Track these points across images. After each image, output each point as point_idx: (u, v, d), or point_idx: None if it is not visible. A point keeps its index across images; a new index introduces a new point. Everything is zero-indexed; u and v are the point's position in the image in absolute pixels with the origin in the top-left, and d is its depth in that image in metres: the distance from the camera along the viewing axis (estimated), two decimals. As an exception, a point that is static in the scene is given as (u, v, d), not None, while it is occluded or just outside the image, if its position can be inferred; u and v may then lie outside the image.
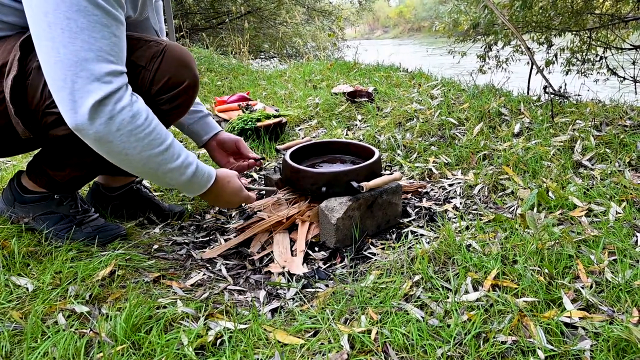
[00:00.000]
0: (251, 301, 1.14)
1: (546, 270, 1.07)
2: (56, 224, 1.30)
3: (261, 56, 10.06)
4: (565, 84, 2.43)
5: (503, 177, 1.67)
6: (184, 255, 1.37)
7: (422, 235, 1.41)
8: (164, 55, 1.14)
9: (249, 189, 1.38)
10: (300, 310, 1.07)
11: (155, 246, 1.39)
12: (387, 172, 1.54)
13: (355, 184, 1.36)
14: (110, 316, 0.99)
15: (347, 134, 2.34)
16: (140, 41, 1.13)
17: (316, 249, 1.38)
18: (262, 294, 1.17)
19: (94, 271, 1.16)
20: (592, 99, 2.39)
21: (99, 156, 1.10)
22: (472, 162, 1.86)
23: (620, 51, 4.56)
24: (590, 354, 0.85)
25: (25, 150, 1.26)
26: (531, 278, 1.05)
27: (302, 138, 2.38)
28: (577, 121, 1.98)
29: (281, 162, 1.56)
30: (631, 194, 1.42)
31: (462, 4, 5.79)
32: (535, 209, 1.41)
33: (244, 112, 2.53)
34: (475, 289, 1.06)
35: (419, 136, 2.16)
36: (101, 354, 0.88)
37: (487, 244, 1.23)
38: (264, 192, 1.54)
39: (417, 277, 1.12)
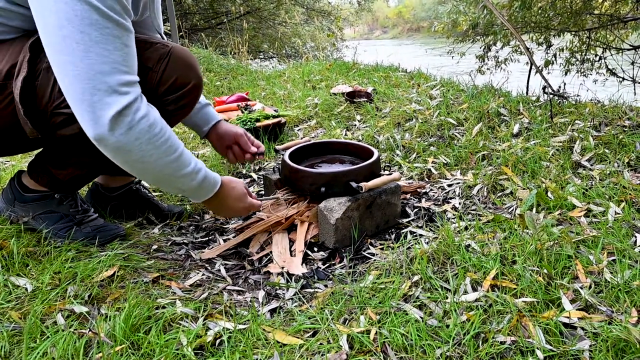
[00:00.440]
0: (250, 301, 1.14)
1: (545, 271, 1.08)
2: (56, 223, 1.30)
3: (260, 56, 10.06)
4: (565, 84, 2.43)
5: (502, 178, 1.67)
6: (183, 256, 1.37)
7: (421, 235, 1.41)
8: (170, 57, 1.16)
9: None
10: (299, 311, 1.07)
11: (155, 246, 1.39)
12: (386, 172, 1.54)
13: (354, 185, 1.37)
14: (109, 316, 0.99)
15: (346, 134, 2.34)
16: (147, 43, 1.15)
17: (315, 249, 1.38)
18: (261, 294, 1.17)
19: (93, 271, 1.16)
20: (591, 100, 2.40)
21: (101, 156, 1.10)
22: (471, 162, 1.86)
23: (619, 51, 4.57)
24: (589, 354, 0.85)
25: (29, 149, 1.28)
26: (530, 278, 1.05)
27: (301, 138, 2.38)
28: (576, 121, 1.98)
29: (280, 162, 1.57)
30: (630, 194, 1.42)
31: (461, 4, 5.80)
32: (534, 209, 1.41)
33: (243, 112, 2.53)
34: (474, 289, 1.06)
35: (418, 136, 2.16)
36: (100, 354, 0.88)
37: (486, 244, 1.24)
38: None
39: (416, 278, 1.12)
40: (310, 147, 1.68)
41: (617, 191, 1.45)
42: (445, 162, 1.90)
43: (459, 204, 1.59)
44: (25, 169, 1.31)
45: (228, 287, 1.21)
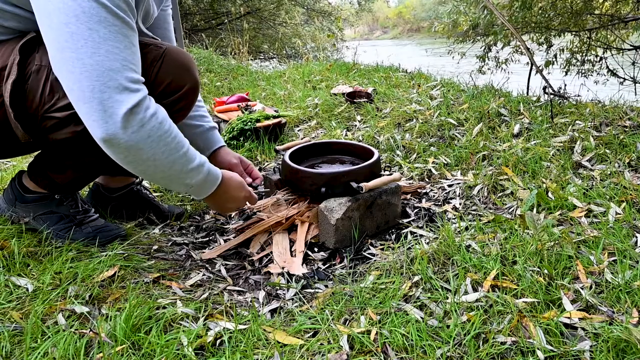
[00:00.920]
0: (251, 301, 1.14)
1: (546, 271, 1.08)
2: (56, 223, 1.30)
3: (260, 57, 10.06)
4: (565, 85, 2.43)
5: (502, 178, 1.67)
6: (184, 256, 1.37)
7: (421, 235, 1.41)
8: (164, 59, 1.14)
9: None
10: (300, 311, 1.07)
11: (155, 247, 1.39)
12: (387, 172, 1.54)
13: (354, 185, 1.37)
14: (110, 316, 0.99)
15: (346, 135, 2.34)
16: (140, 44, 1.13)
17: (315, 249, 1.38)
18: (261, 294, 1.17)
19: (93, 271, 1.16)
20: (591, 100, 2.39)
21: (99, 158, 1.10)
22: (471, 162, 1.86)
23: (620, 52, 4.56)
24: (590, 354, 0.85)
25: (25, 152, 1.27)
26: (531, 279, 1.05)
27: (302, 139, 2.38)
28: (577, 122, 1.98)
29: (280, 162, 1.57)
30: (631, 194, 1.42)
31: (462, 4, 5.79)
32: (534, 209, 1.41)
33: (243, 112, 2.53)
34: (475, 290, 1.06)
35: (418, 137, 2.16)
36: (101, 354, 0.88)
37: (487, 244, 1.23)
38: (263, 193, 1.54)
39: (416, 278, 1.12)
40: (311, 148, 1.68)
41: (618, 191, 1.45)
42: (445, 162, 1.90)
43: (460, 204, 1.59)
44: (26, 170, 1.31)
45: (228, 288, 1.21)
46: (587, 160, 1.69)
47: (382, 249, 1.35)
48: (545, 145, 1.82)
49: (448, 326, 0.95)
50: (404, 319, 0.97)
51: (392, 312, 1.00)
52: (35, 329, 0.93)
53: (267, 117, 2.39)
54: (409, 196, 1.70)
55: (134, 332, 0.94)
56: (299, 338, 0.95)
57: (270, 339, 0.95)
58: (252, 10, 9.82)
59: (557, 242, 1.19)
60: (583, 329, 0.92)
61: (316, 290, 1.19)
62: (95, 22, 0.92)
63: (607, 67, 4.49)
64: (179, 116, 1.23)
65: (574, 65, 4.89)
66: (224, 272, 1.29)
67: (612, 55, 4.62)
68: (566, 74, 4.88)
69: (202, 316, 1.02)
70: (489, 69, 5.40)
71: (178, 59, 1.17)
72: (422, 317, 0.98)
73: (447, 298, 1.03)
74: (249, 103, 2.68)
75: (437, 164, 1.90)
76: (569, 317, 0.94)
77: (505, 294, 1.02)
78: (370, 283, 1.13)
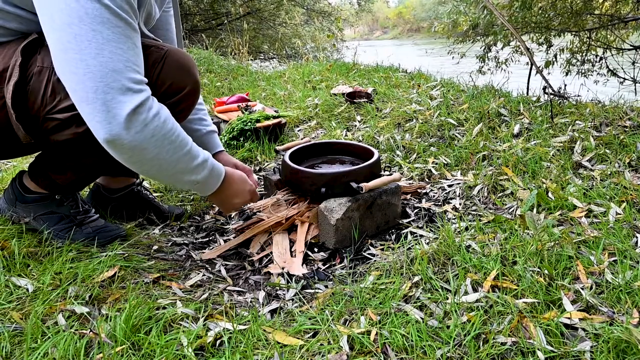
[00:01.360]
0: (251, 302, 1.14)
1: (546, 271, 1.07)
2: (57, 224, 1.30)
3: (260, 57, 10.07)
4: (565, 85, 2.43)
5: (502, 178, 1.67)
6: (184, 256, 1.37)
7: (421, 236, 1.41)
8: (165, 61, 1.14)
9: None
10: (300, 311, 1.07)
11: (155, 247, 1.39)
12: (387, 172, 1.54)
13: (354, 185, 1.37)
14: (110, 317, 0.99)
15: (346, 135, 2.34)
16: (142, 46, 1.13)
17: (315, 249, 1.38)
18: (261, 294, 1.17)
19: (94, 272, 1.16)
20: (591, 100, 2.39)
21: (100, 159, 1.10)
22: (471, 162, 1.86)
23: (620, 52, 4.56)
24: (590, 355, 0.85)
25: (26, 153, 1.27)
26: (531, 279, 1.05)
27: (302, 139, 2.38)
28: (577, 122, 1.98)
29: (280, 163, 1.57)
30: (631, 194, 1.42)
31: (461, 4, 5.80)
32: (534, 209, 1.41)
33: (243, 113, 2.53)
34: (475, 290, 1.06)
35: (418, 137, 2.16)
36: (101, 355, 0.88)
37: (487, 244, 1.23)
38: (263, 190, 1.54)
39: (416, 278, 1.12)
40: (311, 148, 1.68)
41: (618, 191, 1.45)
42: (445, 162, 1.90)
43: (460, 204, 1.59)
44: (27, 170, 1.31)
45: (228, 288, 1.21)
46: (587, 161, 1.69)
47: (382, 249, 1.35)
48: (545, 146, 1.82)
49: (448, 327, 0.95)
50: (404, 320, 0.97)
51: (392, 312, 1.00)
52: (35, 329, 0.93)
53: (267, 118, 2.39)
54: (409, 196, 1.70)
55: (134, 333, 0.94)
56: (298, 338, 0.95)
57: (270, 339, 0.95)
58: (252, 11, 9.83)
59: (557, 242, 1.19)
60: (583, 329, 0.91)
61: (316, 290, 1.19)
62: (99, 23, 0.92)
63: (607, 67, 4.49)
64: (179, 118, 1.22)
65: (574, 65, 4.90)
66: (224, 272, 1.29)
67: (612, 55, 4.62)
68: (567, 74, 4.89)
69: (202, 316, 1.02)
70: (488, 69, 5.41)
71: (179, 61, 1.17)
72: (422, 318, 0.98)
73: (447, 298, 1.03)
74: (249, 103, 2.68)
75: (437, 164, 1.90)
76: (569, 318, 0.94)
77: (506, 294, 1.02)
78: (370, 283, 1.13)
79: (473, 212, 1.53)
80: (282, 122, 2.40)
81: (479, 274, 1.11)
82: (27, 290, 1.07)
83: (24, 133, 1.07)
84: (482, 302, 1.01)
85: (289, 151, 1.58)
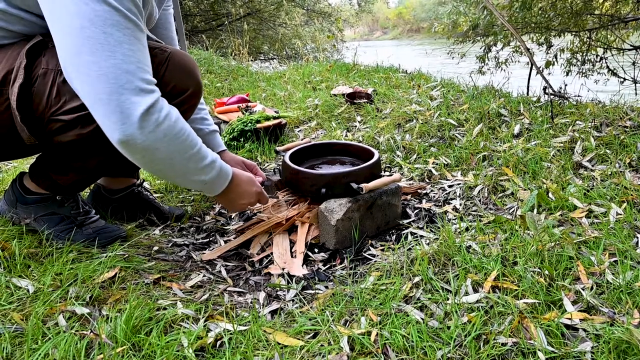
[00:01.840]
0: (251, 303, 1.14)
1: (546, 272, 1.07)
2: (57, 225, 1.30)
3: (261, 58, 10.07)
4: (565, 85, 2.43)
5: (503, 178, 1.67)
6: (184, 257, 1.37)
7: (421, 236, 1.41)
8: (169, 63, 1.15)
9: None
10: (300, 312, 1.07)
11: (156, 248, 1.39)
12: (387, 173, 1.54)
13: (354, 186, 1.37)
14: (110, 318, 0.99)
15: (346, 135, 2.34)
16: None
17: (316, 250, 1.38)
18: (261, 295, 1.17)
19: (94, 273, 1.16)
20: (592, 100, 2.39)
21: (103, 160, 1.10)
22: (471, 163, 1.86)
23: (620, 52, 4.56)
24: (591, 355, 0.85)
25: (27, 154, 1.27)
26: (531, 279, 1.05)
27: (302, 139, 2.38)
28: (577, 122, 1.98)
29: (281, 163, 1.57)
30: (631, 195, 1.42)
31: (461, 5, 5.80)
32: (535, 210, 1.41)
33: (243, 113, 2.53)
34: (476, 291, 1.06)
35: (418, 137, 2.16)
36: (101, 356, 0.88)
37: (487, 245, 1.23)
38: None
39: (416, 279, 1.12)
40: (311, 149, 1.68)
41: (619, 192, 1.45)
42: (445, 163, 1.90)
43: (460, 204, 1.59)
44: (27, 171, 1.31)
45: (229, 289, 1.21)
46: (587, 161, 1.69)
47: (382, 250, 1.35)
48: (545, 146, 1.82)
49: (449, 327, 0.95)
50: (405, 320, 0.97)
51: (393, 313, 1.00)
52: (35, 330, 0.93)
53: (268, 118, 2.39)
54: (409, 197, 1.70)
55: (135, 334, 0.94)
56: (299, 339, 0.95)
57: (270, 340, 0.95)
58: (253, 12, 9.83)
59: (557, 242, 1.19)
60: (584, 330, 0.91)
61: (316, 291, 1.18)
62: (109, 25, 0.93)
63: (607, 67, 4.49)
64: (183, 117, 1.23)
65: (574, 66, 4.90)
66: (224, 273, 1.29)
67: (612, 55, 4.62)
68: (567, 74, 4.89)
69: (203, 317, 1.02)
70: (488, 69, 5.41)
71: (182, 63, 1.19)
72: (422, 318, 0.98)
73: (448, 299, 1.03)
74: (249, 104, 2.68)
75: (437, 164, 1.90)
76: (569, 318, 0.94)
77: (506, 294, 1.02)
78: (370, 284, 1.13)
79: (473, 213, 1.53)
80: (283, 123, 2.40)
81: (479, 275, 1.10)
82: (28, 291, 1.07)
83: (28, 134, 1.07)
84: (482, 302, 1.01)
85: (289, 152, 1.58)
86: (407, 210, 1.60)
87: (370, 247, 1.38)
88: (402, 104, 2.57)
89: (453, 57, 5.68)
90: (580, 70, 4.87)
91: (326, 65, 4.17)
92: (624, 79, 4.21)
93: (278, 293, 1.19)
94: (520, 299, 1.01)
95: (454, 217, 1.50)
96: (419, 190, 1.72)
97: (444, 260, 1.19)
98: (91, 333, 0.93)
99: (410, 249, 1.29)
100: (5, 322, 0.97)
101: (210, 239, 1.50)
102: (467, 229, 1.38)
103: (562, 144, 1.82)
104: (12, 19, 1.05)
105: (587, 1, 4.53)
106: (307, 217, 1.45)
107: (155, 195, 1.76)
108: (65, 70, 0.97)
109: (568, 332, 0.91)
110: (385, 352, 0.90)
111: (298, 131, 2.55)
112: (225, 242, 1.46)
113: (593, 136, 1.81)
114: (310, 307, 1.09)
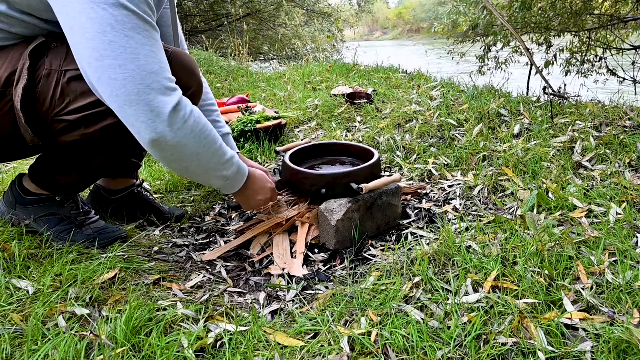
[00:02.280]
0: (251, 303, 1.14)
1: (546, 272, 1.07)
2: (57, 225, 1.30)
3: (260, 58, 10.08)
4: (565, 85, 2.43)
5: (503, 179, 1.67)
6: (184, 258, 1.37)
7: (422, 236, 1.41)
8: (171, 63, 1.15)
9: None
10: (300, 312, 1.07)
11: (156, 248, 1.39)
12: (387, 173, 1.54)
13: (355, 186, 1.37)
14: (110, 318, 0.99)
15: (346, 136, 2.34)
16: None
17: (316, 250, 1.38)
18: (262, 296, 1.17)
19: (94, 273, 1.16)
20: (591, 100, 2.39)
21: (105, 160, 1.11)
22: (471, 163, 1.86)
23: (619, 52, 4.57)
24: (591, 355, 0.85)
25: (29, 155, 1.28)
26: (531, 279, 1.05)
27: (302, 140, 2.38)
28: (577, 122, 1.98)
29: (281, 164, 1.57)
30: (631, 194, 1.42)
31: (461, 5, 5.80)
32: (535, 210, 1.41)
33: (243, 114, 2.53)
34: (476, 291, 1.06)
35: (418, 137, 2.16)
36: (101, 357, 0.88)
37: (487, 245, 1.23)
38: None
39: (417, 279, 1.12)
40: (311, 149, 1.68)
41: (619, 192, 1.45)
42: (445, 163, 1.90)
43: (460, 205, 1.59)
44: (27, 172, 1.31)
45: (229, 289, 1.21)
46: (587, 161, 1.69)
47: (382, 250, 1.35)
48: (545, 146, 1.82)
49: (449, 327, 0.95)
50: (405, 320, 0.97)
51: (393, 313, 1.00)
52: (35, 331, 0.93)
53: (268, 119, 2.39)
54: (409, 197, 1.70)
55: (135, 335, 0.94)
56: (299, 340, 0.95)
57: (270, 340, 0.95)
58: (252, 12, 9.83)
59: (557, 242, 1.19)
60: (584, 329, 0.91)
61: (317, 291, 1.18)
62: (129, 29, 0.95)
63: (607, 67, 4.50)
64: None
65: (574, 66, 4.90)
66: (224, 273, 1.29)
67: (612, 55, 4.62)
68: (567, 74, 4.89)
69: (203, 318, 1.02)
70: (488, 69, 5.41)
71: (183, 62, 1.20)
72: (422, 319, 0.98)
73: (448, 299, 1.03)
74: (249, 104, 2.68)
75: (437, 164, 1.90)
76: (570, 318, 0.94)
77: (506, 295, 1.02)
78: (370, 284, 1.13)
79: (473, 213, 1.53)
80: (283, 123, 2.40)
81: (479, 275, 1.10)
82: (28, 292, 1.07)
83: (32, 135, 1.08)
84: (482, 302, 1.01)
85: (290, 152, 1.58)
86: (408, 210, 1.60)
87: (371, 248, 1.38)
88: (402, 104, 2.57)
89: (453, 57, 5.68)
90: (580, 71, 4.87)
91: (326, 66, 4.17)
92: (624, 79, 4.22)
93: (278, 293, 1.19)
94: (521, 299, 1.01)
95: (454, 217, 1.50)
96: (419, 191, 1.72)
97: (444, 261, 1.19)
98: (91, 334, 0.93)
99: (410, 249, 1.29)
100: (5, 323, 0.96)
101: (211, 239, 1.50)
102: (467, 229, 1.38)
103: (562, 144, 1.82)
104: (13, 22, 1.06)
105: (586, 1, 4.53)
106: (307, 218, 1.45)
107: (155, 195, 1.76)
108: (89, 75, 0.98)
109: (568, 332, 0.91)
110: (385, 352, 0.90)
111: (298, 132, 2.55)
112: (226, 242, 1.46)
113: (593, 136, 1.81)
114: (311, 308, 1.09)
